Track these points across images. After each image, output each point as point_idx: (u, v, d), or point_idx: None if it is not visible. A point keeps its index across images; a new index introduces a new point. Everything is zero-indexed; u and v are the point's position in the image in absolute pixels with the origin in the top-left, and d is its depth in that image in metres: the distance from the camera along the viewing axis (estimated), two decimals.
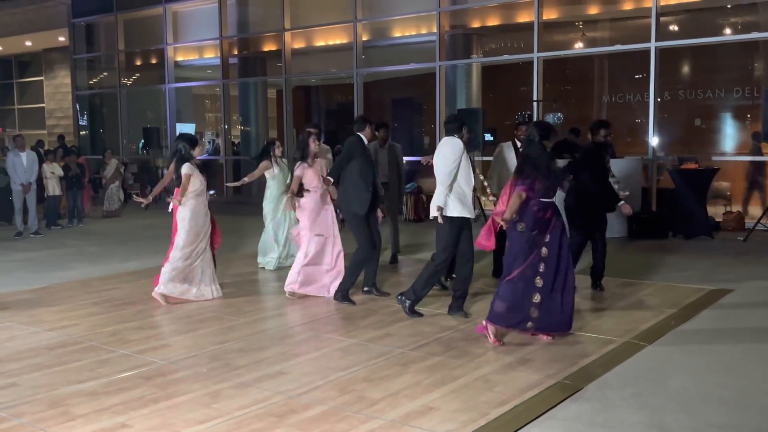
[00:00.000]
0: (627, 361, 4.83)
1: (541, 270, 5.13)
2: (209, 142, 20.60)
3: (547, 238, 5.15)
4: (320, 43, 17.19)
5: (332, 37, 16.86)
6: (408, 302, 6.01)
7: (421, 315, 6.02)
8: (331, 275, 6.83)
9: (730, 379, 4.48)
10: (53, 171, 12.45)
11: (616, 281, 7.34)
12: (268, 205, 8.36)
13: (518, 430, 3.74)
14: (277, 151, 8.34)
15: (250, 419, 3.89)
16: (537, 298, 5.14)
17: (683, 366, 4.72)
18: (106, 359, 5.02)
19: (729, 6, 13.86)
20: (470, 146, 11.80)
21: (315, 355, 5.08)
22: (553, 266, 5.15)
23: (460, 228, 5.83)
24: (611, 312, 6.13)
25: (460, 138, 5.84)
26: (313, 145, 6.77)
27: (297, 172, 6.72)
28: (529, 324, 5.16)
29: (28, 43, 23.45)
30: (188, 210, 6.66)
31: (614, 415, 3.93)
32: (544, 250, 5.14)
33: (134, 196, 7.02)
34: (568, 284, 5.22)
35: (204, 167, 7.48)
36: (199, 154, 6.89)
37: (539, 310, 5.14)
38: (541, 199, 5.17)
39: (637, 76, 13.89)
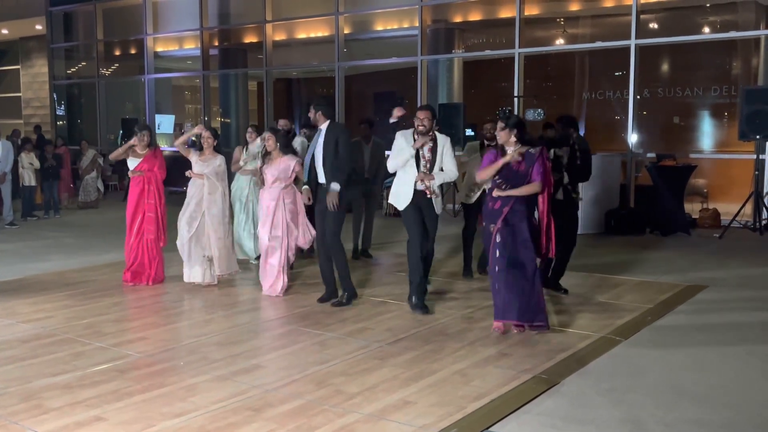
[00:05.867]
0: (603, 356, 4.87)
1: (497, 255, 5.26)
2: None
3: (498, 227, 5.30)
4: (302, 35, 17.11)
5: (314, 30, 16.79)
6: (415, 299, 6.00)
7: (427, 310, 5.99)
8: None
9: (703, 375, 4.53)
10: (30, 161, 12.29)
11: (593, 277, 7.40)
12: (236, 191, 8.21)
13: (495, 424, 3.76)
14: (248, 138, 8.24)
15: (227, 413, 3.87)
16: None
17: (658, 361, 4.77)
18: (81, 352, 4.97)
19: (708, 5, 14.00)
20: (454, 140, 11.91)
21: (292, 349, 5.07)
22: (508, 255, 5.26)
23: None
24: (588, 307, 6.17)
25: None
26: (268, 143, 6.65)
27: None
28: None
29: (5, 31, 23.08)
30: None
31: (590, 409, 3.96)
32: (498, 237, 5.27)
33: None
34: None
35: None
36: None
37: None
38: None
39: (617, 73, 13.99)
